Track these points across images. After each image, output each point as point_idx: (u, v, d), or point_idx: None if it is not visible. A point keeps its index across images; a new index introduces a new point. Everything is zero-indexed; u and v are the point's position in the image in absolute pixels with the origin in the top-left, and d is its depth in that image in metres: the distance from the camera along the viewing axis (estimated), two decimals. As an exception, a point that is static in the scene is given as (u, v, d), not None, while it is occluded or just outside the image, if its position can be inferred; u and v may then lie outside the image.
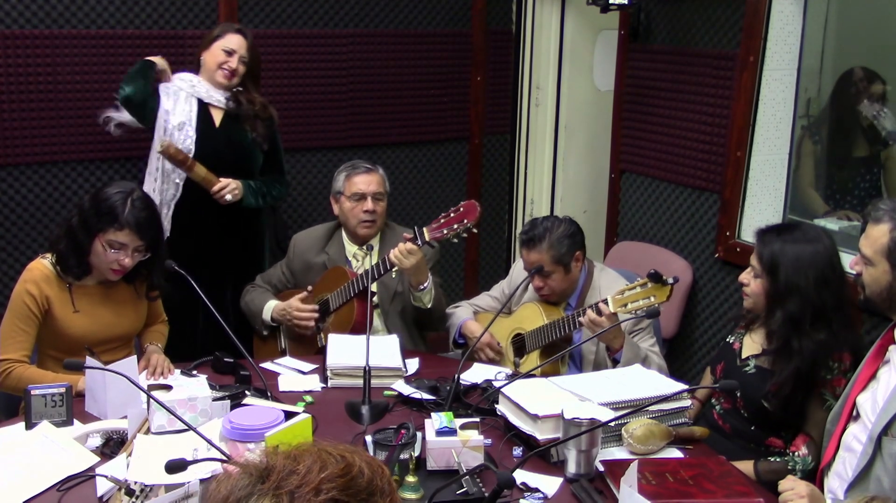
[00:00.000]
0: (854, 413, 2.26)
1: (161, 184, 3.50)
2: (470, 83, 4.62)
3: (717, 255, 3.68)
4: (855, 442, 2.20)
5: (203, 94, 3.51)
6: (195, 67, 3.59)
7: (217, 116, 3.55)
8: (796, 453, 2.47)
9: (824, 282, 2.48)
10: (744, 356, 2.66)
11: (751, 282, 2.60)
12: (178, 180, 3.50)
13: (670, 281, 2.62)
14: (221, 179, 3.47)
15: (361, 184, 3.27)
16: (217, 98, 3.52)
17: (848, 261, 3.13)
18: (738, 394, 2.60)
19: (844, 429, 2.27)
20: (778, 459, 2.49)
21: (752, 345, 2.65)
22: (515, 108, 4.75)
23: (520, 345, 3.12)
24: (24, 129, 3.73)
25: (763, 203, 3.58)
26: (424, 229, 3.01)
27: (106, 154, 3.89)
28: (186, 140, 3.45)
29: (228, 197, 3.47)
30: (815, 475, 2.43)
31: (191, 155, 3.44)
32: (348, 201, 3.27)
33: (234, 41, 3.49)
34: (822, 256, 2.50)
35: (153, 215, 2.71)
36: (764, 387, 2.53)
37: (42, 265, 2.69)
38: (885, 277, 2.19)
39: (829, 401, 2.46)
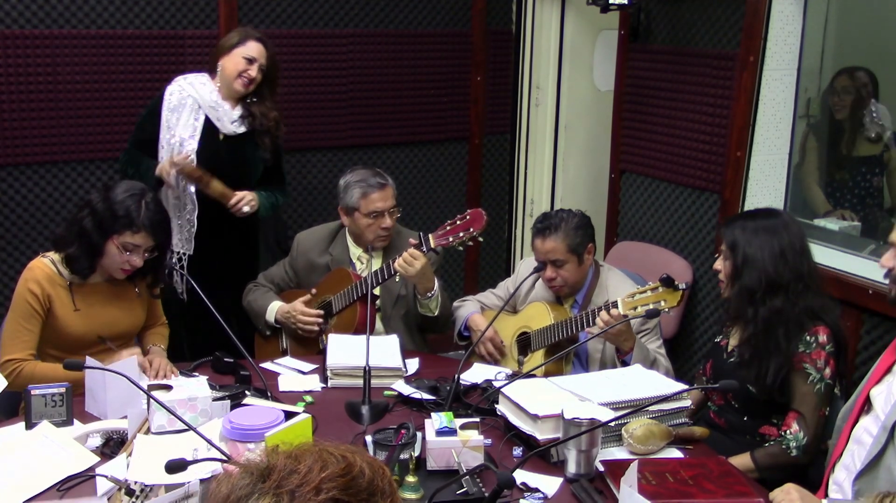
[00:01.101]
0: (866, 406, 2.26)
1: (178, 200, 3.48)
2: (470, 83, 4.62)
3: (717, 255, 3.67)
4: (865, 434, 2.20)
5: (213, 116, 3.45)
6: (197, 67, 3.58)
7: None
8: (788, 431, 2.50)
9: (781, 256, 2.57)
10: (729, 349, 2.71)
11: (721, 267, 2.69)
12: (192, 190, 3.47)
13: (682, 286, 2.64)
14: (237, 192, 3.45)
15: (379, 201, 3.20)
16: (226, 125, 3.46)
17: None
18: None
19: (855, 423, 2.27)
20: (772, 443, 2.52)
21: (736, 336, 2.71)
22: (515, 108, 4.75)
23: (525, 343, 3.12)
24: (24, 129, 3.73)
25: (763, 203, 3.58)
26: (430, 236, 3.01)
27: (106, 154, 3.90)
28: (188, 156, 3.42)
29: (246, 209, 3.45)
30: (811, 451, 2.47)
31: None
32: (365, 218, 3.21)
33: (254, 49, 3.43)
34: (781, 234, 2.59)
35: (166, 217, 2.74)
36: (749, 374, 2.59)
37: (43, 264, 2.70)
38: None
39: (811, 374, 2.51)
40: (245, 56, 3.42)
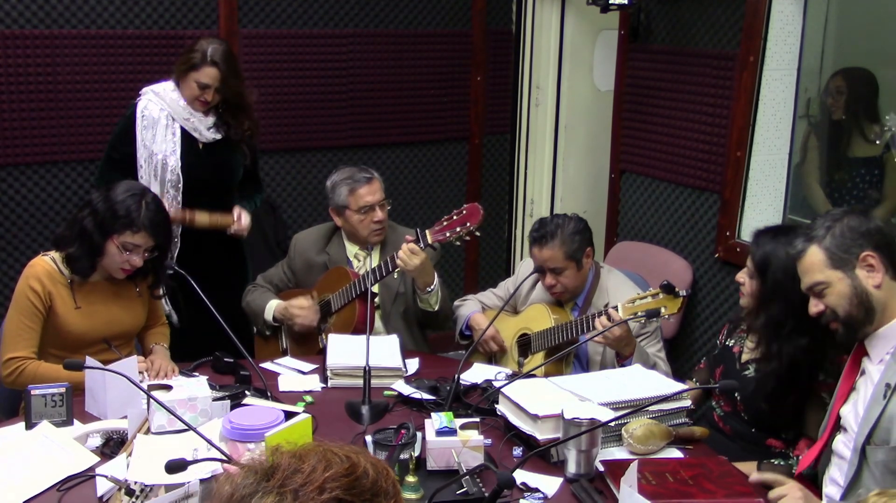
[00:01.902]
0: (840, 425, 2.25)
1: None
2: (470, 83, 4.62)
3: (717, 255, 3.68)
4: (845, 449, 2.20)
5: (188, 127, 3.40)
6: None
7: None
8: (800, 457, 2.46)
9: None
10: (743, 360, 2.65)
11: (746, 281, 2.60)
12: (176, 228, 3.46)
13: (682, 293, 2.62)
14: (231, 217, 3.44)
15: (368, 195, 3.22)
16: (203, 133, 3.42)
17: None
18: (738, 398, 2.60)
19: (828, 440, 2.26)
20: (781, 462, 2.48)
21: (753, 349, 2.63)
22: (515, 108, 4.75)
23: (525, 345, 3.12)
24: (24, 129, 3.73)
25: (763, 203, 3.58)
26: (427, 231, 3.01)
27: (106, 154, 3.90)
28: (172, 174, 3.39)
29: (245, 234, 3.50)
30: (815, 480, 2.43)
31: (179, 185, 3.40)
32: (356, 214, 3.22)
33: (207, 75, 3.32)
34: None
35: (166, 217, 2.75)
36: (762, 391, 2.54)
37: (44, 261, 2.70)
38: (845, 283, 2.15)
39: (829, 403, 2.46)
40: (197, 82, 3.34)
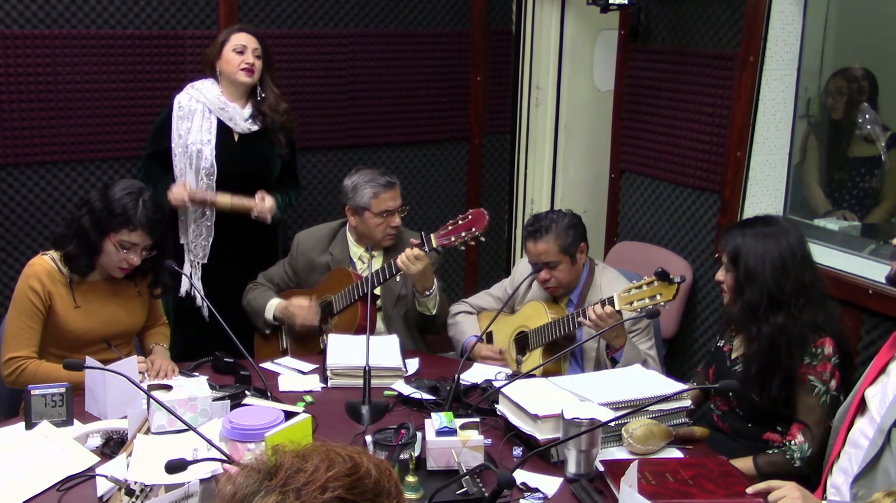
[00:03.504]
0: (861, 408, 2.26)
1: (196, 228, 3.50)
2: (470, 83, 4.62)
3: (717, 255, 3.68)
4: (862, 437, 2.20)
5: (224, 118, 3.47)
6: (197, 67, 3.58)
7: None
8: (792, 442, 2.49)
9: (782, 268, 2.53)
10: (733, 357, 2.69)
11: (724, 277, 2.65)
12: (208, 223, 3.50)
13: (677, 280, 2.63)
14: (254, 200, 3.45)
15: (390, 201, 3.24)
16: (239, 124, 3.48)
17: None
18: (731, 394, 2.62)
19: (851, 425, 2.27)
20: (776, 451, 2.51)
21: (740, 346, 2.68)
22: (515, 108, 4.75)
23: (523, 342, 3.12)
24: (24, 129, 3.73)
25: (763, 203, 3.58)
26: (432, 235, 3.01)
27: (106, 154, 3.90)
28: (206, 163, 3.44)
29: (269, 217, 3.49)
30: (814, 463, 2.45)
31: (213, 174, 3.45)
32: (376, 217, 3.23)
33: (241, 38, 3.45)
34: (782, 243, 2.55)
35: (163, 215, 2.75)
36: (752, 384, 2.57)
37: (43, 261, 2.70)
38: None
39: (817, 386, 2.50)
40: (235, 49, 3.43)
